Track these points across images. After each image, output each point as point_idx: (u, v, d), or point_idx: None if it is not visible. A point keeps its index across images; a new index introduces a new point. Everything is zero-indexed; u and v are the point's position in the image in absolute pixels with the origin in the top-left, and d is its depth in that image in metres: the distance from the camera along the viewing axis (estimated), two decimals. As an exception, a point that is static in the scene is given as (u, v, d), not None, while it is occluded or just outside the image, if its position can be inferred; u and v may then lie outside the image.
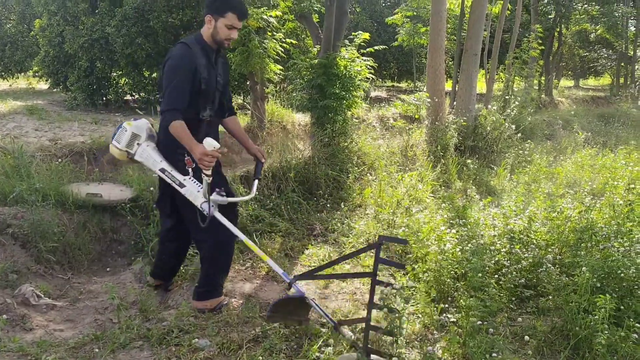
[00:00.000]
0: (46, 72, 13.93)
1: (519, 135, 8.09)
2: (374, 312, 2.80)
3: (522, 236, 4.00)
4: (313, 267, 3.89)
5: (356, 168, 5.98)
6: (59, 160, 5.35)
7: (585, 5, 19.90)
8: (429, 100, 7.45)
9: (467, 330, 2.99)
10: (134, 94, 13.59)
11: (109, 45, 12.08)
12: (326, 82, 6.25)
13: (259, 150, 3.50)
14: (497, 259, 3.79)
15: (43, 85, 17.60)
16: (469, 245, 3.88)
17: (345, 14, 6.89)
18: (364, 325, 2.79)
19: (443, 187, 6.06)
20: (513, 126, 8.00)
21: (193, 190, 3.09)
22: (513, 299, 3.54)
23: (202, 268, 3.42)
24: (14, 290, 3.38)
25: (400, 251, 4.35)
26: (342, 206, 5.30)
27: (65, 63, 13.02)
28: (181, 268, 3.97)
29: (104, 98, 13.40)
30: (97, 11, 12.57)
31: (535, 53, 11.26)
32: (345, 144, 6.32)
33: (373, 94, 15.54)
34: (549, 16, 18.92)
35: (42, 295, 3.43)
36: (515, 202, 4.60)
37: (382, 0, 21.82)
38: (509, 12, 12.53)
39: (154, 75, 13.14)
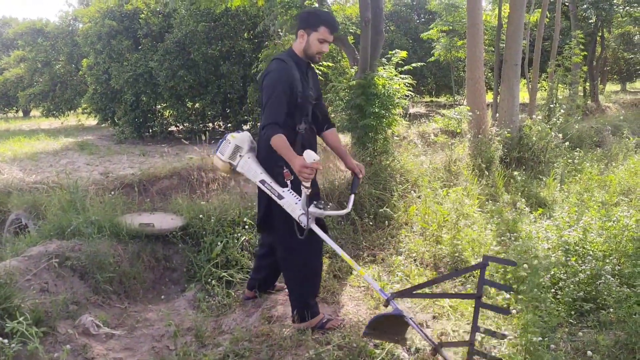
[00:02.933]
0: (94, 108, 14.54)
1: (567, 143, 7.88)
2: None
3: (577, 248, 3.88)
4: (412, 286, 3.61)
5: (400, 186, 5.93)
6: (112, 192, 5.54)
7: (627, 8, 19.35)
8: (470, 113, 7.36)
9: (526, 347, 2.90)
10: (178, 124, 13.98)
11: (152, 79, 12.52)
12: (365, 101, 6.27)
13: (358, 165, 3.56)
14: (552, 272, 3.68)
15: (92, 122, 18.34)
16: (521, 258, 3.78)
17: (380, 34, 6.92)
18: (467, 348, 2.76)
19: (490, 201, 5.94)
20: (560, 135, 7.80)
21: (291, 202, 3.15)
22: (572, 313, 3.42)
23: (290, 290, 3.45)
24: (75, 321, 3.49)
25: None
26: (388, 224, 5.26)
27: (112, 99, 13.57)
28: (233, 293, 4.03)
29: (150, 130, 13.84)
30: (140, 47, 13.06)
31: (578, 59, 11.00)
32: (387, 162, 6.29)
33: (412, 110, 15.49)
34: (590, 21, 18.51)
35: (101, 325, 3.53)
36: (568, 212, 4.47)
37: (417, 17, 21.83)
38: (547, 19, 12.33)
39: (197, 105, 13.50)
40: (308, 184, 2.93)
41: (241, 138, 3.36)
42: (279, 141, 3.02)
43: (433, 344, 2.84)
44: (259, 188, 3.35)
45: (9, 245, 4.29)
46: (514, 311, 3.26)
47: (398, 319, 2.76)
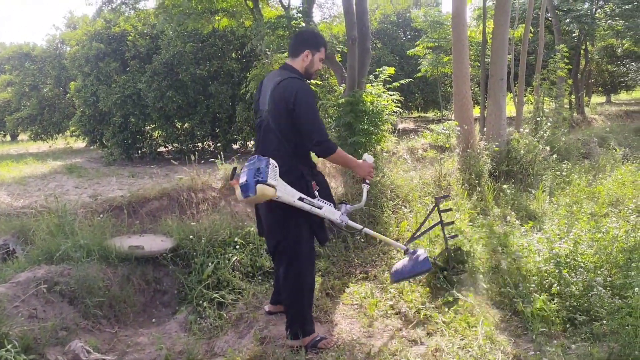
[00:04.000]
0: (83, 130, 14.50)
1: (555, 156, 7.95)
2: None
3: (568, 260, 3.89)
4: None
5: (390, 202, 5.94)
6: (100, 215, 5.49)
7: (609, 21, 19.71)
8: (458, 128, 7.42)
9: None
10: (167, 145, 13.94)
11: (141, 100, 12.52)
12: (354, 119, 6.30)
13: None
14: (545, 284, 3.69)
15: (80, 144, 18.26)
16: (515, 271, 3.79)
17: (367, 51, 6.99)
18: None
19: (481, 215, 5.96)
20: (547, 147, 7.86)
21: (330, 208, 3.39)
22: (567, 325, 3.42)
23: (290, 304, 3.46)
24: (65, 347, 3.42)
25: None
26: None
27: (101, 121, 13.55)
28: (224, 314, 3.99)
29: (139, 151, 13.80)
30: (128, 69, 13.07)
31: (563, 73, 11.15)
32: (377, 178, 6.31)
33: (400, 125, 15.55)
34: (573, 35, 18.80)
35: (92, 351, 3.47)
36: (558, 225, 4.49)
37: (403, 34, 22.08)
38: (531, 34, 12.52)
39: (186, 125, 13.48)
40: (369, 182, 3.69)
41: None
42: (342, 153, 3.41)
43: (402, 248, 3.97)
44: (267, 209, 3.38)
45: (-4, 272, 4.22)
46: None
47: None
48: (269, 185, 3.03)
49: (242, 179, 3.04)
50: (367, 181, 3.67)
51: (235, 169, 3.27)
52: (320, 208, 3.32)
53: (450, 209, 4.79)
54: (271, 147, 3.32)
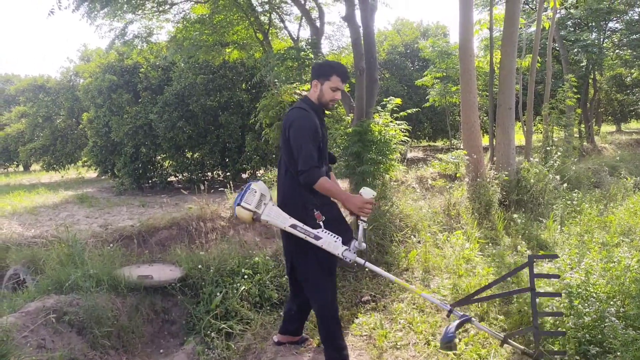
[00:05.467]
0: (95, 161, 14.67)
1: (565, 185, 7.90)
2: None
3: (580, 290, 3.84)
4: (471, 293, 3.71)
5: (399, 231, 5.92)
6: (110, 245, 5.51)
7: (617, 51, 19.79)
8: (467, 157, 7.43)
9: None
10: (177, 174, 14.05)
11: (152, 131, 12.68)
12: (362, 148, 6.34)
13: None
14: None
15: (92, 174, 18.43)
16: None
17: (375, 82, 7.06)
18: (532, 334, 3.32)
19: (491, 245, 5.91)
20: (557, 176, 7.83)
21: (331, 241, 3.24)
22: (577, 357, 3.35)
23: (321, 330, 3.47)
24: (72, 378, 3.41)
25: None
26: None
27: (112, 151, 13.72)
28: (232, 345, 3.96)
29: (150, 181, 13.91)
30: (140, 100, 13.29)
31: (572, 102, 11.17)
32: (386, 207, 6.30)
33: (409, 154, 15.59)
34: (581, 64, 18.89)
35: (99, 382, 3.45)
36: (569, 254, 4.44)
37: (411, 65, 22.30)
38: (539, 64, 12.60)
39: (196, 155, 13.60)
40: (366, 219, 3.26)
41: (263, 187, 3.41)
42: (327, 183, 3.23)
43: (500, 337, 3.32)
44: (285, 234, 3.39)
45: (6, 301, 4.23)
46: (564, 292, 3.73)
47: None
48: (244, 208, 3.25)
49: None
50: (363, 218, 3.28)
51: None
52: (317, 239, 3.22)
53: (557, 276, 3.64)
54: (280, 176, 3.43)
